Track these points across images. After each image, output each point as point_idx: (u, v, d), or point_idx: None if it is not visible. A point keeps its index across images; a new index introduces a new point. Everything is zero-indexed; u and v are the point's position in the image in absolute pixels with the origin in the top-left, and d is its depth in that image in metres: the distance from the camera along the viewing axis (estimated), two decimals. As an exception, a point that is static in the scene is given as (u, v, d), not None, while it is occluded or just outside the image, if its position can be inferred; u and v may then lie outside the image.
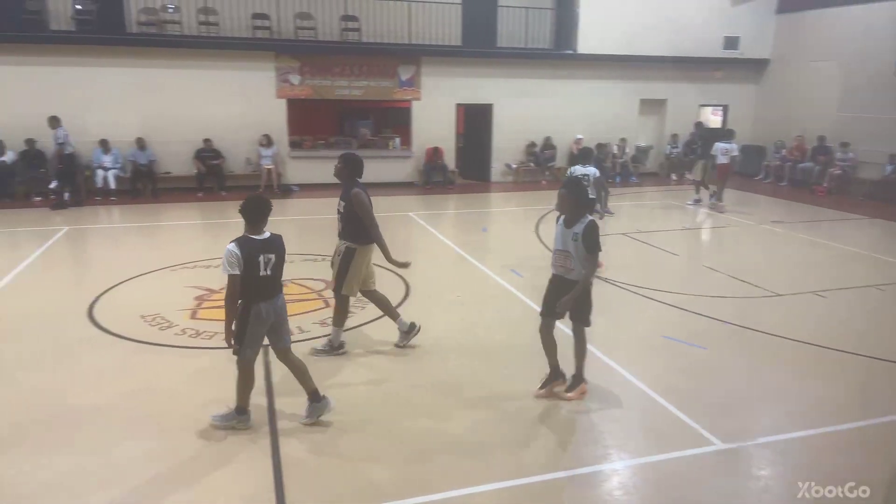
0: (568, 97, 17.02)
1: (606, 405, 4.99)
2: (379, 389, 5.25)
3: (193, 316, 6.71)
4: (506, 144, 17.02)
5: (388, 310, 6.01)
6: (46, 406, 4.82)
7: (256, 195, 4.42)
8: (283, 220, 12.50)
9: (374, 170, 15.89)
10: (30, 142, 13.17)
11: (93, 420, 4.63)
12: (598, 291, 7.81)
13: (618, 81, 17.38)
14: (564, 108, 17.00)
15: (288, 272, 8.20)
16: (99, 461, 4.12)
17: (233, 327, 4.31)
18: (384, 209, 12.94)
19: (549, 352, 4.99)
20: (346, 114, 17.53)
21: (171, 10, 14.41)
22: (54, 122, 12.55)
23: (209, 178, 14.41)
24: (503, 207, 14.77)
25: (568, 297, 4.67)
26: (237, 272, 4.15)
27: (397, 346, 5.98)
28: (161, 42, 14.15)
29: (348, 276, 5.61)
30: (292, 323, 6.49)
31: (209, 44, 14.38)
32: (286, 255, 4.51)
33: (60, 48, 13.46)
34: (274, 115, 15.09)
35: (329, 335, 5.92)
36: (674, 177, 17.40)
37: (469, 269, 8.91)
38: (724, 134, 14.18)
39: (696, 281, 8.46)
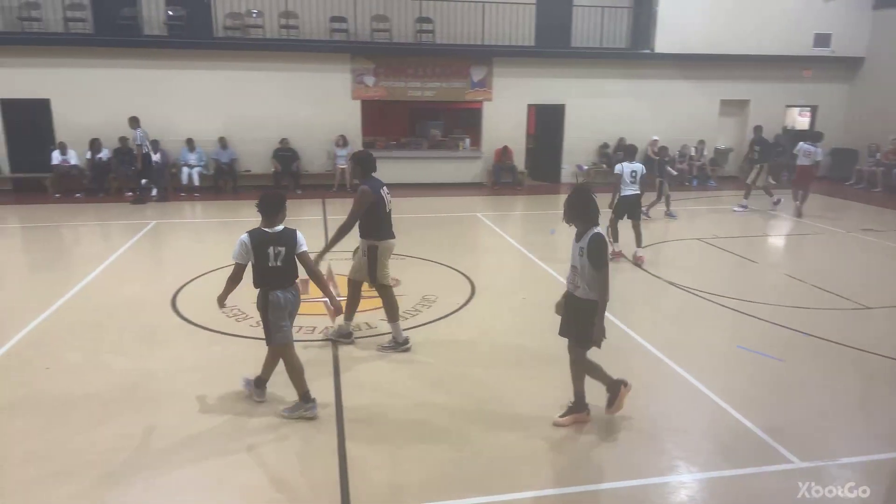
0: (643, 97, 16.59)
1: (675, 415, 4.84)
2: (440, 389, 5.27)
3: (267, 309, 6.96)
4: (577, 145, 16.78)
5: (353, 307, 5.94)
6: (132, 388, 5.14)
7: (272, 192, 4.65)
8: (344, 217, 12.76)
9: (443, 170, 16.12)
10: (123, 140, 14.04)
11: (173, 403, 4.90)
12: (672, 296, 7.63)
13: (697, 81, 16.80)
14: (640, 109, 16.59)
15: (357, 269, 8.43)
16: (177, 441, 4.35)
17: (225, 299, 4.72)
18: (452, 209, 13.08)
19: (574, 376, 4.61)
20: (416, 115, 17.75)
21: (254, 15, 15.02)
22: (134, 122, 13.08)
23: (286, 176, 14.93)
24: (573, 210, 14.52)
25: (597, 327, 4.30)
26: (241, 262, 4.49)
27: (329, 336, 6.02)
28: (244, 45, 14.78)
29: (377, 270, 5.69)
30: (361, 318, 6.66)
31: (289, 46, 14.89)
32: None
33: (153, 52, 14.30)
34: (349, 116, 15.47)
35: (391, 332, 5.99)
36: (755, 181, 16.62)
37: (536, 270, 8.83)
38: (812, 136, 13.44)
39: (775, 290, 8.06)
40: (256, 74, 14.83)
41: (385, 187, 5.74)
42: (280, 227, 4.52)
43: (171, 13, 14.51)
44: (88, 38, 14.17)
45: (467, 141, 16.81)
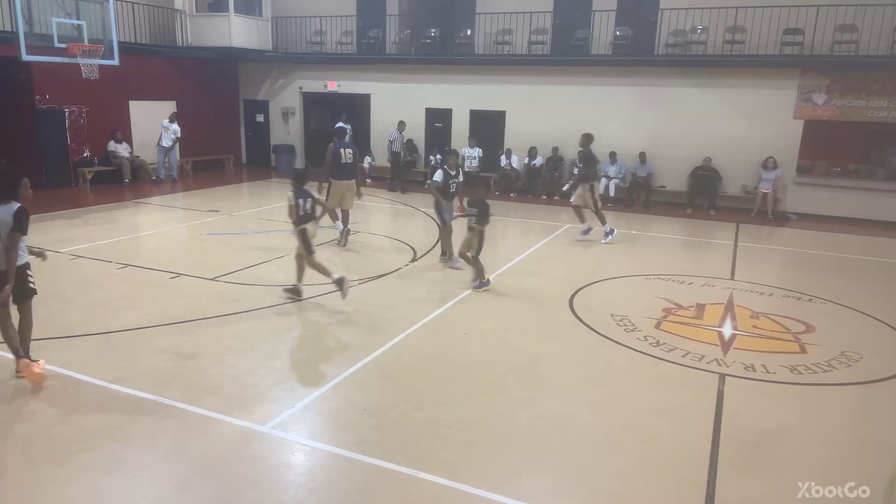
0: None
1: None
2: (847, 462, 4.41)
3: (657, 326, 6.89)
4: None
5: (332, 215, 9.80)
6: (523, 363, 5.80)
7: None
8: (768, 248, 11.54)
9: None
10: (554, 149, 15.63)
11: (552, 383, 5.37)
12: None
13: None
14: None
15: (762, 305, 7.64)
16: (545, 414, 4.72)
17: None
18: (891, 254, 10.61)
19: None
20: (875, 139, 14.87)
21: (699, 31, 14.77)
22: (587, 139, 13.21)
23: (701, 195, 14.39)
24: None
25: None
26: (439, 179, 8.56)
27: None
28: (681, 62, 14.68)
29: (328, 199, 9.28)
30: (757, 359, 6.05)
31: (729, 62, 14.21)
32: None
33: (594, 70, 15.41)
34: (786, 137, 14.03)
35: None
36: None
37: None
38: None
39: None
40: (686, 91, 14.63)
41: (349, 147, 9.54)
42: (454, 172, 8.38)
43: (618, 33, 15.37)
44: (544, 58, 16.09)
45: (948, 175, 13.41)
